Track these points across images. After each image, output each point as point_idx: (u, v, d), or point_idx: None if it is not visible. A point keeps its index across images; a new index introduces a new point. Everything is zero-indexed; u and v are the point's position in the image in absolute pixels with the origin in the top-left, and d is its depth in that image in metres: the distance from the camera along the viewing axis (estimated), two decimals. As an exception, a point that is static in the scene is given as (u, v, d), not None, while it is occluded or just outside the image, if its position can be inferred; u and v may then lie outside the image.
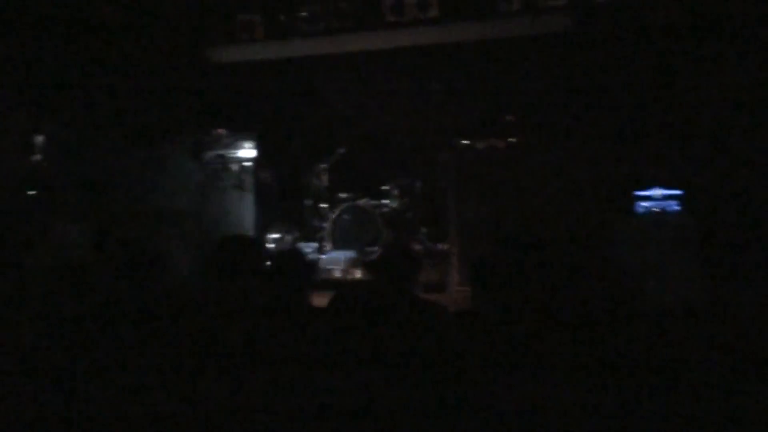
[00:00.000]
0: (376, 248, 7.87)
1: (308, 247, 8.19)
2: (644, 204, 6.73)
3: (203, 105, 8.87)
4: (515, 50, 8.19)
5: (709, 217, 6.58)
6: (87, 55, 7.91)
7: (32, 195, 7.60)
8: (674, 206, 6.70)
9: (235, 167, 8.45)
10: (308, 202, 8.70)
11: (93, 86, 7.98)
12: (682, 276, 6.23)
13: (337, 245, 8.15)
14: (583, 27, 7.79)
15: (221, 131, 8.64)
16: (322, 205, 8.58)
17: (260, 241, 7.97)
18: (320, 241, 8.31)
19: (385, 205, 8.29)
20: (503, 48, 8.23)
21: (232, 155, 8.51)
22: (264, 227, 8.34)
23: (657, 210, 6.74)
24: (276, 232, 8.34)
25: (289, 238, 8.30)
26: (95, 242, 7.33)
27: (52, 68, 7.69)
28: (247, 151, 8.49)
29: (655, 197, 6.74)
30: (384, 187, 8.42)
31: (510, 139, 7.51)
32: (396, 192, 8.32)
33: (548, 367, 2.64)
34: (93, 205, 7.85)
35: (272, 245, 8.20)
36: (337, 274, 7.83)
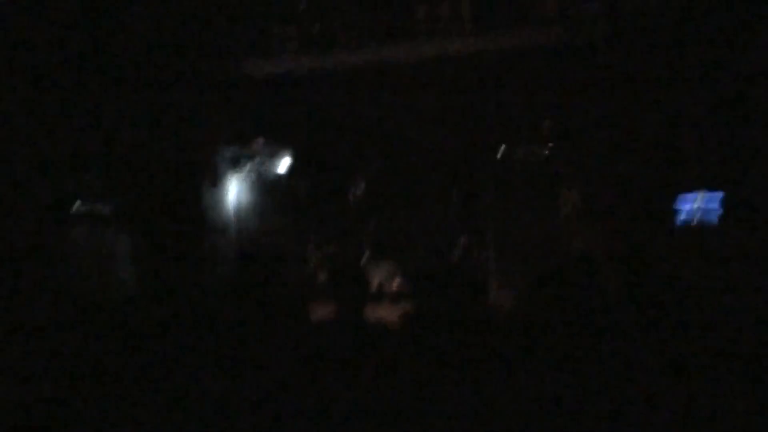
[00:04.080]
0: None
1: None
2: (684, 208, 6.72)
3: (241, 116, 8.96)
4: (550, 58, 8.17)
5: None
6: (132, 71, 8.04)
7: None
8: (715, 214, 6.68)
9: (272, 178, 8.53)
10: (346, 213, 8.75)
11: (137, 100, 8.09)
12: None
13: (376, 255, 8.20)
14: (615, 34, 7.77)
15: (259, 141, 8.72)
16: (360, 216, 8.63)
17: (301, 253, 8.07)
18: (359, 251, 8.36)
19: (424, 216, 8.33)
20: (539, 56, 8.21)
21: (269, 166, 8.58)
22: (303, 238, 8.42)
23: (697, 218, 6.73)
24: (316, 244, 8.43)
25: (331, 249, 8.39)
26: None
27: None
28: (285, 162, 8.57)
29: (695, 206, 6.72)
30: (422, 198, 8.45)
31: (549, 144, 7.52)
32: (434, 202, 8.35)
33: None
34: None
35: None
36: (375, 284, 7.89)
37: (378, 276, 7.88)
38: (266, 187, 8.53)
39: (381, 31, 8.67)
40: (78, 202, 7.76)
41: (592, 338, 2.69)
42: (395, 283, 7.81)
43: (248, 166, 8.62)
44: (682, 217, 6.75)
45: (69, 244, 7.56)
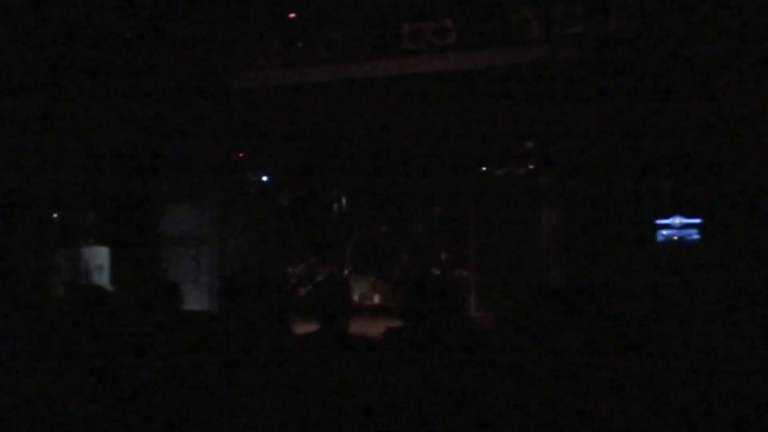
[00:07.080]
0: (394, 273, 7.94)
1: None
2: (664, 232, 6.79)
3: (223, 129, 8.92)
4: (534, 77, 8.20)
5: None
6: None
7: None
8: (694, 235, 6.76)
9: (255, 189, 8.52)
10: (327, 226, 8.76)
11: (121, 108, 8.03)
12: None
13: (357, 270, 8.20)
14: (596, 55, 7.81)
15: (240, 155, 8.70)
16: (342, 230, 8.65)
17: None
18: (340, 265, 8.37)
19: (405, 230, 8.36)
20: (522, 75, 8.24)
21: (250, 179, 8.57)
22: (282, 253, 8.41)
23: (676, 238, 6.80)
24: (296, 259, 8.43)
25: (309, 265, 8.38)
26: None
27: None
28: (267, 174, 8.56)
29: (674, 226, 6.80)
30: (403, 213, 8.48)
31: (529, 166, 7.58)
32: (416, 217, 8.39)
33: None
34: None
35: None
36: (356, 298, 7.88)
37: (359, 289, 7.88)
38: (248, 198, 8.50)
39: (365, 47, 8.63)
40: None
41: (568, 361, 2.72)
42: (376, 297, 7.82)
43: (231, 178, 8.60)
44: (661, 237, 6.82)
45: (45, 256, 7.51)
